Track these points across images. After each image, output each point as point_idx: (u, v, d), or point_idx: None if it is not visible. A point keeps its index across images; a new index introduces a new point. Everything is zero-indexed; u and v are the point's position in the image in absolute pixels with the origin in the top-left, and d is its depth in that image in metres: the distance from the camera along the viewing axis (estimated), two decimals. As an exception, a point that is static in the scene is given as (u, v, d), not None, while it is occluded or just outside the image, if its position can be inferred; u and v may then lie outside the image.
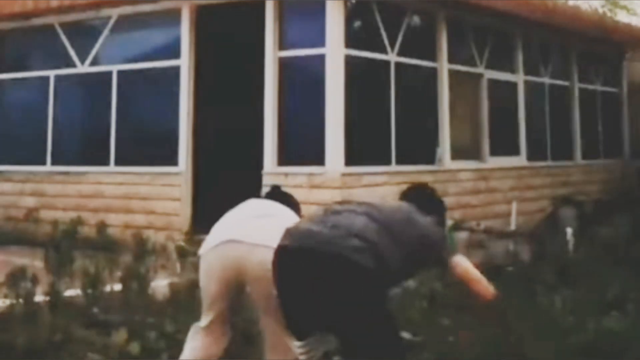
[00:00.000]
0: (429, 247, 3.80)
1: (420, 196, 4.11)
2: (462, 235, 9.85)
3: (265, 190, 4.99)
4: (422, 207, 3.94)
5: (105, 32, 12.10)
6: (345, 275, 3.55)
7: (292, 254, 3.68)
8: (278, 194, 4.74)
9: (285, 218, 4.27)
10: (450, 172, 11.84)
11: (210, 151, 11.99)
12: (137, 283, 6.73)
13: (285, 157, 10.33)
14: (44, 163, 12.44)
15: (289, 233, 3.76)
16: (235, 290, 4.26)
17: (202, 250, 4.34)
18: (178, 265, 7.27)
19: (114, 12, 11.97)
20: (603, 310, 6.23)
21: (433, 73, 11.91)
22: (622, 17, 23.67)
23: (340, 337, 3.65)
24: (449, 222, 9.02)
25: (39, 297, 6.27)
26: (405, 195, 4.13)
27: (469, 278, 3.81)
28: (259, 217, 4.33)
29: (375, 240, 3.61)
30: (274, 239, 3.83)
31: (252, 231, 4.15)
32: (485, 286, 3.80)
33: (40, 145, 12.44)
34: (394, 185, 10.68)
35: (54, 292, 6.31)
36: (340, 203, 4.07)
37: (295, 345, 3.77)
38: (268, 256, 3.80)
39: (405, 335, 4.21)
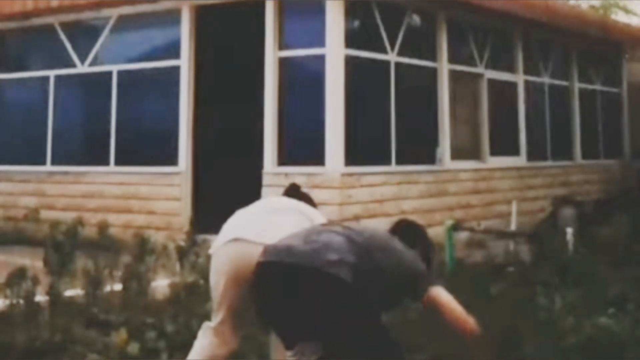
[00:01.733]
0: (406, 278, 3.75)
1: (406, 229, 4.10)
2: (462, 235, 9.84)
3: (279, 188, 4.97)
4: (407, 240, 3.93)
5: (105, 32, 12.10)
6: (322, 288, 3.61)
7: (271, 269, 3.73)
8: (296, 192, 4.71)
9: (298, 214, 4.25)
10: (450, 172, 11.84)
11: (210, 151, 11.99)
12: (137, 283, 6.73)
13: (285, 157, 10.33)
14: (44, 163, 12.44)
15: (268, 250, 3.80)
16: (247, 291, 4.21)
17: (212, 249, 4.34)
18: (178, 266, 7.26)
19: (114, 12, 11.97)
20: (603, 311, 6.23)
21: (433, 73, 11.91)
22: (622, 17, 23.71)
23: (330, 344, 3.68)
24: (450, 222, 9.02)
25: (39, 297, 6.26)
26: (392, 229, 4.13)
27: (450, 314, 3.63)
28: (269, 214, 4.31)
29: (352, 260, 3.64)
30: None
31: (259, 230, 4.14)
32: (468, 322, 3.60)
33: (40, 145, 12.44)
34: (394, 185, 10.70)
35: (53, 292, 6.31)
36: (323, 225, 4.13)
37: (287, 354, 3.80)
38: None
39: None
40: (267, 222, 4.19)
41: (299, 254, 3.69)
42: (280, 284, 3.70)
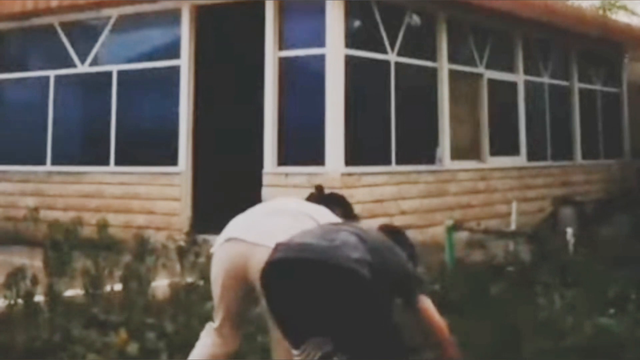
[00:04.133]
0: (404, 279, 3.87)
1: (395, 234, 4.18)
2: (462, 235, 9.83)
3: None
4: (396, 242, 4.03)
5: (105, 32, 12.10)
6: (343, 284, 3.62)
7: (286, 265, 3.73)
8: (316, 197, 4.67)
9: (299, 216, 4.22)
10: (450, 172, 11.84)
11: (210, 151, 11.99)
12: (137, 283, 6.72)
13: (285, 157, 10.33)
14: (44, 163, 12.43)
15: (281, 247, 3.79)
16: (244, 290, 4.21)
17: (214, 247, 4.36)
18: (178, 266, 7.26)
19: (114, 12, 11.97)
20: (603, 311, 6.23)
21: (433, 73, 11.91)
22: (622, 17, 23.71)
23: (340, 342, 3.69)
24: (450, 222, 9.02)
25: (39, 297, 6.26)
26: (385, 232, 4.19)
27: (433, 321, 3.91)
28: (269, 216, 4.30)
29: (369, 258, 3.69)
30: (279, 240, 3.84)
31: (257, 230, 4.14)
32: (446, 332, 3.91)
33: (40, 145, 12.44)
34: (394, 185, 10.70)
35: (52, 292, 6.30)
36: (334, 224, 4.14)
37: (293, 353, 3.79)
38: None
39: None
40: (264, 224, 4.19)
41: (320, 251, 3.70)
42: (297, 280, 3.70)
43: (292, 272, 3.72)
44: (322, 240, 3.76)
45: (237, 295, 4.22)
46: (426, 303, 3.89)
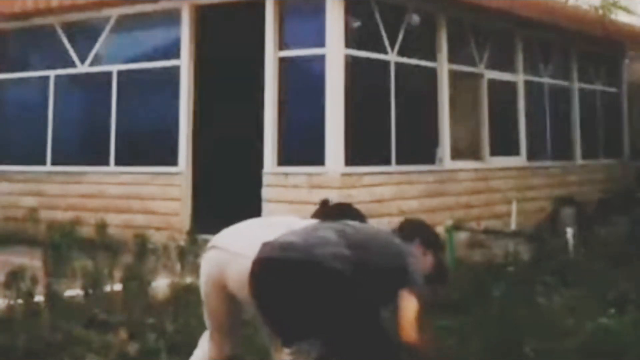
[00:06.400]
0: (401, 274, 3.77)
1: (405, 225, 4.19)
2: (462, 235, 9.84)
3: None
4: (406, 235, 4.01)
5: (105, 32, 12.10)
6: (321, 282, 3.62)
7: (270, 265, 3.73)
8: (321, 212, 4.61)
9: (285, 227, 4.17)
10: (450, 172, 11.84)
11: (210, 151, 11.99)
12: (137, 283, 6.73)
13: (285, 157, 10.32)
14: (44, 163, 12.43)
15: (266, 246, 3.80)
16: (227, 299, 4.14)
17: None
18: (178, 266, 7.26)
19: (114, 12, 11.97)
20: (603, 311, 6.24)
21: (433, 73, 11.90)
22: (622, 17, 23.66)
23: (330, 341, 3.68)
24: (450, 222, 9.02)
25: (39, 297, 6.26)
26: (396, 228, 4.17)
27: (402, 321, 3.68)
28: (260, 227, 4.26)
29: (348, 253, 3.67)
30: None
31: (239, 240, 4.09)
32: (412, 336, 3.65)
33: (40, 145, 12.44)
34: (394, 185, 10.70)
35: (50, 292, 6.30)
36: (318, 223, 4.11)
37: (285, 352, 3.78)
38: (248, 267, 3.78)
39: None
40: (247, 234, 4.11)
41: (297, 249, 3.71)
42: (280, 279, 3.71)
43: (276, 271, 3.72)
44: (300, 239, 3.77)
45: (221, 304, 4.14)
46: (406, 301, 3.70)
